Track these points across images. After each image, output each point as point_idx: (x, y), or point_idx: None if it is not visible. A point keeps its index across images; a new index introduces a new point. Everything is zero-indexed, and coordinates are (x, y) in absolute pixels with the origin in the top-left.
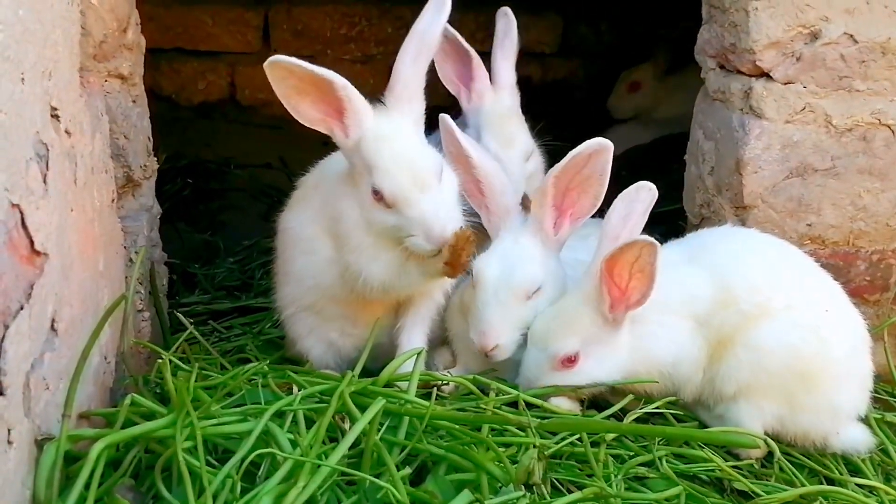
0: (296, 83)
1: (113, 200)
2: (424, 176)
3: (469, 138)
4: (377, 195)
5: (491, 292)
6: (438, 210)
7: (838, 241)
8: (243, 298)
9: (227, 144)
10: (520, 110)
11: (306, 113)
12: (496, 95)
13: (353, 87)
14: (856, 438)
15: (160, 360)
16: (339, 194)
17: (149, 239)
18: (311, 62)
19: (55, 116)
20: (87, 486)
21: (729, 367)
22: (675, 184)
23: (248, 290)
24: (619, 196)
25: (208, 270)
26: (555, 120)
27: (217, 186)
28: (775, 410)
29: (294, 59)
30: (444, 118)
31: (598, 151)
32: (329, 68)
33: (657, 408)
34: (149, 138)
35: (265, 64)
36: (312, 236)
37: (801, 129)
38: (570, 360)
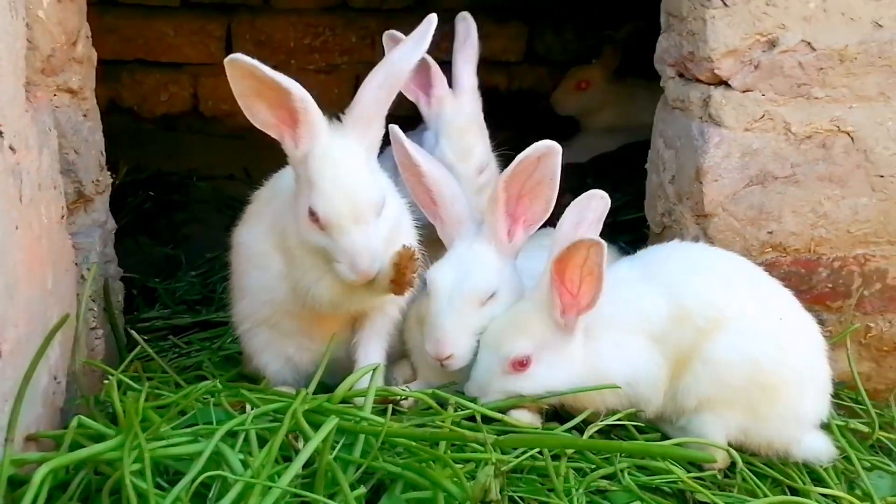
0: (254, 84)
1: (63, 217)
2: (362, 208)
3: (418, 149)
4: (312, 215)
5: (445, 300)
6: (368, 244)
7: (799, 249)
8: (204, 313)
9: (189, 156)
10: (481, 116)
11: (260, 115)
12: (457, 101)
13: (311, 100)
14: (818, 447)
15: (108, 381)
16: (288, 210)
17: (102, 255)
18: None
19: None
20: None
21: (689, 381)
22: (642, 192)
23: (210, 303)
24: (572, 203)
25: (169, 284)
26: (522, 129)
27: (180, 199)
28: (738, 421)
29: (255, 62)
30: (394, 129)
31: (547, 154)
32: (293, 78)
33: (619, 419)
34: (101, 153)
35: (225, 61)
36: (265, 251)
37: (760, 136)
38: (522, 364)
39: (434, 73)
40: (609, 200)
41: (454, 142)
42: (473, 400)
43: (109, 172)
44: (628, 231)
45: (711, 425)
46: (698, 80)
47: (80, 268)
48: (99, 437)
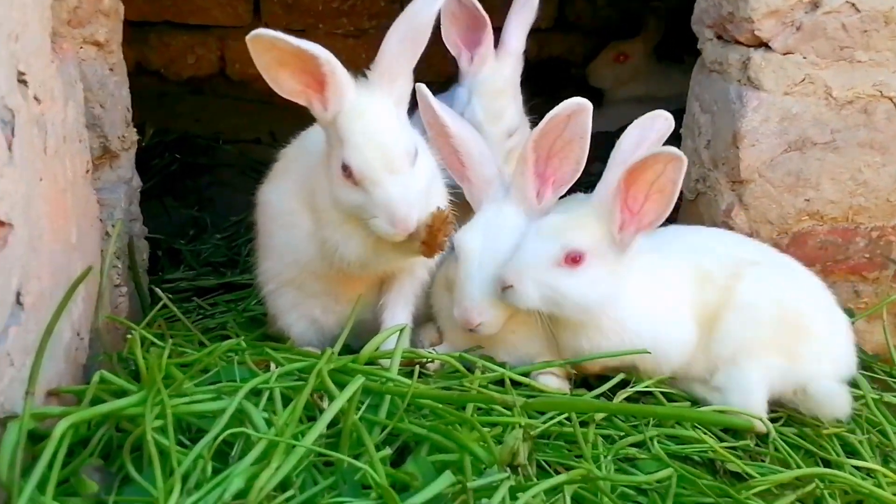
0: (278, 55)
1: (87, 171)
2: (395, 157)
3: (446, 108)
4: (346, 171)
5: (474, 266)
6: (406, 194)
7: (837, 217)
8: (229, 275)
9: (216, 119)
10: (517, 82)
11: (286, 84)
12: (498, 63)
13: (336, 62)
14: (844, 399)
15: (130, 337)
16: (319, 168)
17: (127, 212)
18: (302, 37)
19: (23, 82)
20: (50, 465)
21: (722, 332)
22: None
23: (235, 266)
24: (634, 122)
25: (194, 246)
26: (551, 97)
27: (206, 162)
28: (777, 364)
29: (278, 34)
30: (420, 87)
31: (578, 112)
32: (321, 43)
33: (647, 387)
34: (128, 108)
35: (248, 37)
36: (292, 210)
37: (800, 101)
38: (575, 260)
39: (486, 32)
40: (673, 122)
41: (486, 102)
42: (502, 365)
43: (139, 137)
44: None
45: (753, 372)
46: (737, 42)
47: (104, 224)
48: (121, 393)
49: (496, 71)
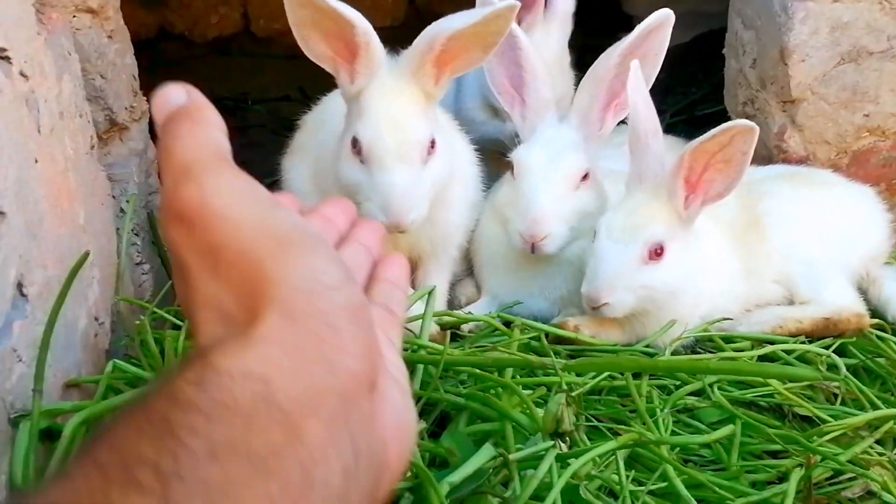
0: (313, 14)
1: (93, 147)
2: (409, 144)
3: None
4: (356, 146)
5: (539, 179)
6: (407, 188)
7: None
8: None
9: (243, 79)
10: (566, 47)
11: (316, 47)
12: (546, 27)
13: (374, 34)
14: None
15: (139, 320)
16: (329, 148)
17: (144, 185)
18: None
19: (4, 58)
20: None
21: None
22: (719, 84)
23: None
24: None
25: None
26: (584, 28)
27: (235, 124)
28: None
29: None
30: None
31: (661, 26)
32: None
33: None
34: (133, 76)
35: None
36: (308, 192)
37: (851, 7)
38: (658, 253)
39: None
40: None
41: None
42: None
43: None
44: (708, 126)
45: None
46: None
47: (118, 200)
48: (139, 381)
49: (545, 37)
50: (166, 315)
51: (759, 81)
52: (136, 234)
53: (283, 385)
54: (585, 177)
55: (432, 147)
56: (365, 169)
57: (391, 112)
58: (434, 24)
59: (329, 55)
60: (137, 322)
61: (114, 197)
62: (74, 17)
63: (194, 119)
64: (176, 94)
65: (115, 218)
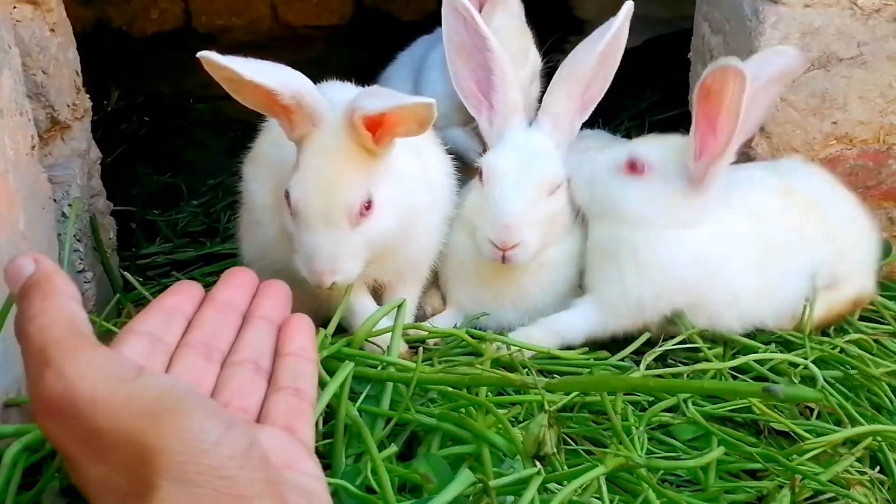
0: (232, 77)
1: (33, 147)
2: (335, 210)
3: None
4: (288, 198)
5: (511, 184)
6: (332, 251)
7: (868, 139)
8: (208, 245)
9: (185, 77)
10: (526, 26)
11: (247, 100)
12: (505, 3)
13: (305, 90)
14: None
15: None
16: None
17: (87, 188)
18: None
19: None
20: (4, 496)
21: None
22: (671, 88)
23: (214, 235)
24: (754, 58)
25: (170, 216)
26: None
27: (177, 123)
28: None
29: (228, 61)
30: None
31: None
32: None
33: (677, 345)
34: (77, 72)
35: (198, 55)
36: (266, 206)
37: (822, 13)
38: (635, 168)
39: None
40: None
41: (511, 45)
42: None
43: (104, 101)
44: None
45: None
46: None
47: (60, 204)
48: None
49: (508, 12)
50: (113, 328)
51: None
52: (78, 241)
53: None
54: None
55: (367, 208)
56: (292, 222)
57: (321, 172)
58: (356, 96)
59: (264, 106)
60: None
61: (55, 201)
62: (15, 7)
63: (45, 292)
64: (25, 265)
65: (56, 223)
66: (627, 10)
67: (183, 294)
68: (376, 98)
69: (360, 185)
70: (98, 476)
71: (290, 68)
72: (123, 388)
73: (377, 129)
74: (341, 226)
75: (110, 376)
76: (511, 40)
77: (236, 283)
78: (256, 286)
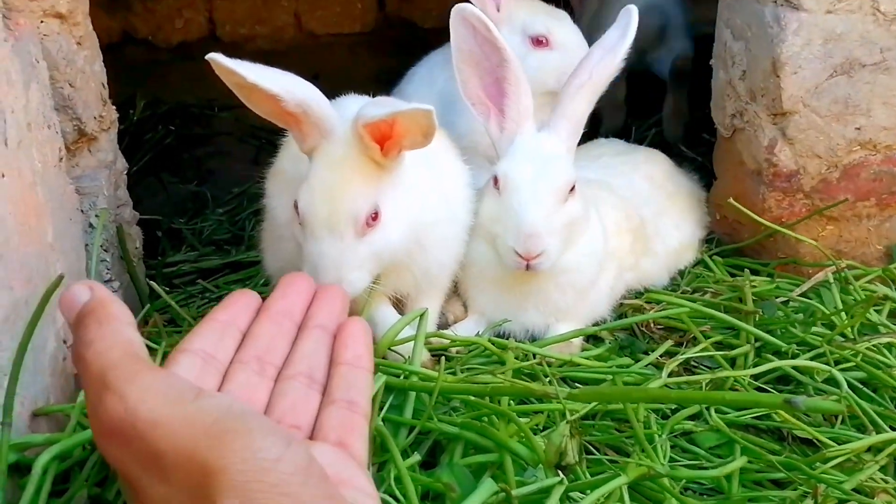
0: (241, 82)
1: (61, 159)
2: (339, 219)
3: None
4: (296, 208)
5: (529, 193)
6: (337, 261)
7: (892, 145)
8: (233, 253)
9: (209, 86)
10: None
11: (259, 108)
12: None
13: (313, 100)
14: None
15: None
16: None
17: (113, 199)
18: None
19: None
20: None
21: None
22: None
23: (240, 242)
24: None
25: (195, 224)
26: None
27: (202, 131)
28: None
29: (235, 65)
30: (466, 7)
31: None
32: None
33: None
34: (103, 84)
35: (206, 57)
36: (287, 222)
37: (844, 18)
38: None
39: None
40: None
41: (571, 59)
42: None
43: (130, 110)
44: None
45: None
46: None
47: (87, 215)
48: None
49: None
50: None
51: (748, 93)
52: (105, 251)
53: None
54: (572, 188)
55: (374, 219)
56: (300, 231)
57: (328, 180)
58: (361, 107)
59: (275, 115)
60: None
61: (82, 211)
62: (42, 22)
63: (100, 318)
64: (80, 293)
65: (84, 234)
66: (634, 14)
67: (237, 305)
68: (378, 107)
69: (367, 195)
70: (160, 497)
71: (300, 78)
72: (183, 410)
73: (385, 141)
74: (346, 235)
75: (170, 398)
76: (571, 55)
77: (292, 291)
78: (313, 292)
